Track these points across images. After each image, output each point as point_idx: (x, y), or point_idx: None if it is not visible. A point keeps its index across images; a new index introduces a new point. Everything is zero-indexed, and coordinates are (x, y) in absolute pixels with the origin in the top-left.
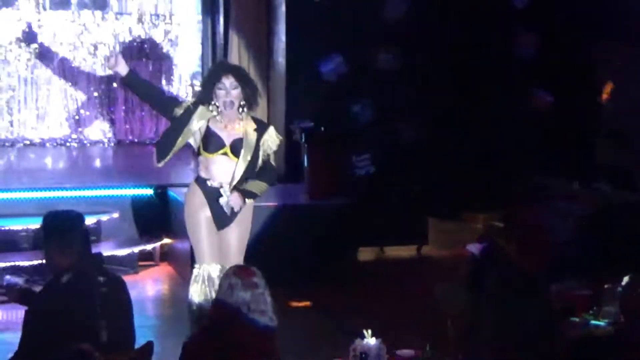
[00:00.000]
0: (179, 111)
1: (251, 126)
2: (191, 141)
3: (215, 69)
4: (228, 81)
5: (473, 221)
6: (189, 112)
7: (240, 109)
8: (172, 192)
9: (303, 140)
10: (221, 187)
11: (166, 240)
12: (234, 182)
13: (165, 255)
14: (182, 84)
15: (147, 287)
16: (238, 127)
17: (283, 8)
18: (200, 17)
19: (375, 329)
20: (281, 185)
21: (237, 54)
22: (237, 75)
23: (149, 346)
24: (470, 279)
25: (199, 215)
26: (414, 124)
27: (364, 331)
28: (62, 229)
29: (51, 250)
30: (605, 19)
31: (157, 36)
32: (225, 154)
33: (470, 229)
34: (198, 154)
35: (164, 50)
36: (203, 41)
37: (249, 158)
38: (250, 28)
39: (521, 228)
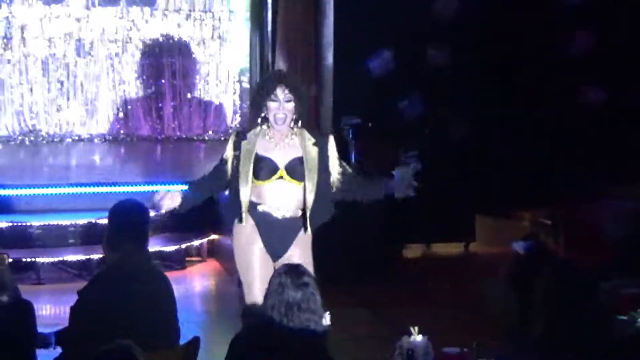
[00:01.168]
0: (226, 163)
1: (309, 140)
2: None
3: (268, 79)
4: (282, 93)
5: (520, 218)
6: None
7: (293, 124)
8: None
9: (350, 136)
10: None
11: (213, 236)
12: (307, 209)
13: (213, 251)
14: (230, 80)
15: (195, 282)
16: (293, 144)
17: (331, 3)
18: (248, 14)
19: (422, 326)
20: None
21: (285, 50)
22: (292, 86)
23: (195, 341)
24: (517, 277)
25: (251, 247)
26: (462, 120)
27: (411, 328)
28: (129, 220)
29: (111, 241)
30: None
31: (205, 33)
32: (280, 177)
33: (518, 226)
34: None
35: (212, 47)
36: (251, 38)
37: (315, 178)
38: (298, 24)
39: (573, 225)
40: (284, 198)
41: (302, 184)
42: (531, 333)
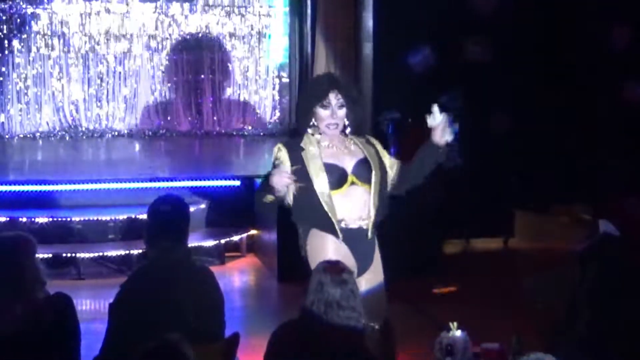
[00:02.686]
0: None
1: (361, 139)
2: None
3: (319, 83)
4: (335, 99)
5: (560, 214)
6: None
7: (345, 132)
8: (259, 183)
9: (390, 131)
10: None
11: (253, 232)
12: (372, 216)
13: (252, 246)
14: (269, 75)
15: (234, 278)
16: (350, 145)
17: None
18: (287, 9)
19: (461, 322)
20: None
21: (324, 45)
22: (345, 91)
23: (235, 337)
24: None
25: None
26: (502, 115)
27: (450, 324)
28: (170, 216)
29: (153, 237)
30: None
31: (245, 28)
32: (353, 183)
33: (557, 222)
34: None
35: (252, 42)
36: (290, 33)
37: (379, 177)
38: (337, 18)
39: (615, 221)
40: (357, 206)
41: (370, 186)
42: (578, 330)
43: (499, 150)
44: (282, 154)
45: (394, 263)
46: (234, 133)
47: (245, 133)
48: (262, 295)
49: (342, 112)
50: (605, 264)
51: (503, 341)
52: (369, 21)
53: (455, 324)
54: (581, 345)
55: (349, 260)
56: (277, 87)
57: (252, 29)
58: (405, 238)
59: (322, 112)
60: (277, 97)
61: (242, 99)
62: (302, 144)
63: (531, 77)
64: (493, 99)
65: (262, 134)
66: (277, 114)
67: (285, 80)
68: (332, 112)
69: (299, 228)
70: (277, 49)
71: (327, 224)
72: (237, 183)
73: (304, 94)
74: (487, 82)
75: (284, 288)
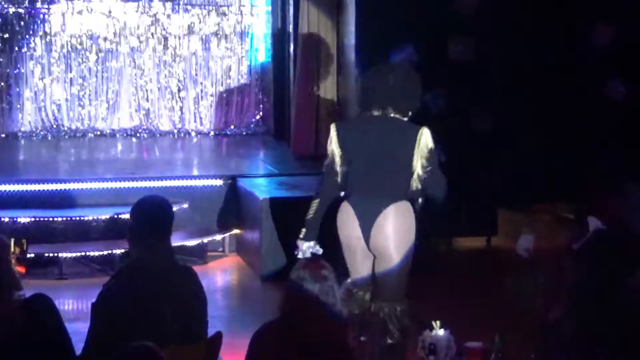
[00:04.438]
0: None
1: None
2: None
3: (376, 71)
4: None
5: (543, 212)
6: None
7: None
8: (242, 183)
9: None
10: None
11: (235, 231)
12: None
13: (235, 245)
14: (252, 74)
15: (217, 277)
16: None
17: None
18: (270, 8)
19: (444, 321)
20: None
21: (307, 45)
22: (399, 77)
23: (217, 337)
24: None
25: None
26: (485, 114)
27: (433, 323)
28: (152, 216)
29: (136, 237)
30: None
31: (227, 27)
32: None
33: (540, 220)
34: None
35: (234, 42)
36: (273, 32)
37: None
38: (320, 18)
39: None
40: None
41: None
42: (563, 329)
43: (482, 149)
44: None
45: None
46: (217, 132)
47: (228, 132)
48: (245, 294)
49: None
50: (602, 261)
51: (486, 340)
52: (351, 22)
53: (438, 322)
54: (571, 345)
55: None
56: (259, 86)
57: (234, 29)
58: None
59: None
60: (259, 97)
61: (224, 98)
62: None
63: (513, 76)
64: (476, 98)
65: (244, 133)
66: (260, 113)
67: (268, 79)
68: None
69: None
70: (259, 48)
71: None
72: (220, 183)
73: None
74: (469, 82)
75: (267, 287)
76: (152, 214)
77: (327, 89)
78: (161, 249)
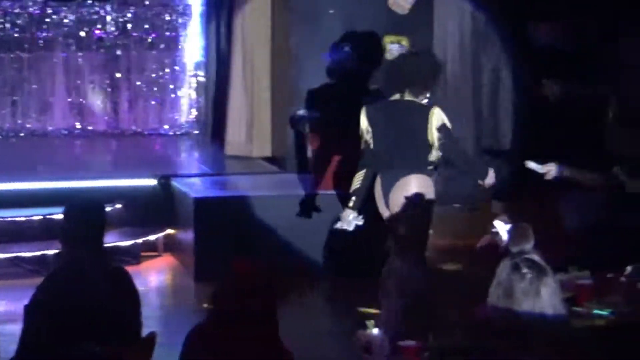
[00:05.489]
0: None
1: None
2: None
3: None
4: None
5: (479, 210)
6: None
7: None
8: (176, 183)
9: (308, 130)
10: None
11: (169, 231)
12: None
13: (169, 245)
14: (186, 74)
15: (150, 277)
16: None
17: None
18: (204, 8)
19: (380, 320)
20: (288, 175)
21: (241, 43)
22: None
23: (151, 337)
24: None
25: None
26: None
27: (367, 322)
28: (85, 217)
29: (69, 237)
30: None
31: (162, 26)
32: None
33: (477, 218)
34: None
35: (168, 41)
36: (207, 32)
37: None
38: (254, 17)
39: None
40: None
41: None
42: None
43: None
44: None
45: (322, 262)
46: (151, 132)
47: (162, 132)
48: (179, 294)
49: None
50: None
51: (420, 338)
52: (287, 19)
53: (372, 322)
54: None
55: None
56: (193, 86)
57: (168, 28)
58: (322, 236)
59: None
60: (193, 96)
61: (158, 98)
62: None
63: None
64: None
65: (178, 133)
66: (194, 112)
67: (202, 79)
68: None
69: None
70: (193, 48)
71: None
72: (154, 182)
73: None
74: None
75: (201, 287)
76: (85, 215)
77: (262, 88)
78: (94, 249)
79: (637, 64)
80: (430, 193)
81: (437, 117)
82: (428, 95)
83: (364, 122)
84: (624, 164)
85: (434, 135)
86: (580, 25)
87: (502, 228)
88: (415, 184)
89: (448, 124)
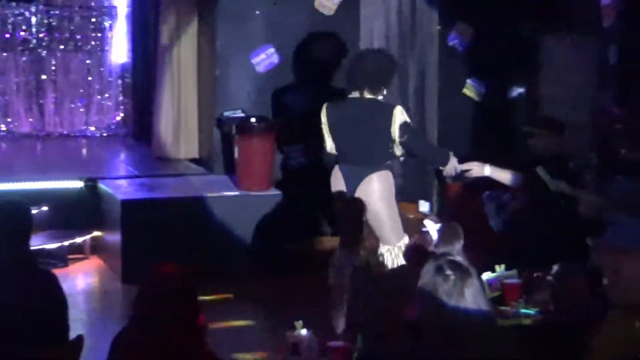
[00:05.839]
0: None
1: None
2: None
3: (354, 57)
4: None
5: (406, 211)
6: None
7: None
8: (103, 185)
9: (234, 131)
10: None
11: (96, 233)
12: None
13: (96, 248)
14: (113, 76)
15: (77, 280)
16: None
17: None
18: (129, 8)
19: (307, 321)
20: (214, 177)
21: (167, 44)
22: (370, 61)
23: (79, 340)
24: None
25: None
26: None
27: (295, 323)
28: (11, 220)
29: None
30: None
31: (88, 28)
32: None
33: (403, 219)
34: None
35: (94, 43)
36: (133, 33)
37: None
38: (181, 19)
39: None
40: None
41: None
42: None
43: None
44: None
45: (238, 262)
46: (77, 134)
47: (88, 134)
48: (107, 297)
49: None
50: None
51: (348, 339)
52: (212, 21)
53: (300, 322)
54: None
55: None
56: (120, 88)
57: (95, 29)
58: (247, 238)
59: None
60: (120, 98)
61: (84, 99)
62: None
63: None
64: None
65: (105, 135)
66: (121, 114)
67: (128, 80)
68: None
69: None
70: (120, 49)
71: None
72: (81, 185)
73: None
74: (333, 81)
75: (128, 290)
76: (11, 218)
77: (189, 90)
78: (21, 252)
79: (552, 64)
80: (391, 189)
81: (400, 116)
82: (385, 92)
83: (322, 120)
84: (546, 163)
85: (396, 133)
86: (499, 27)
87: (432, 227)
88: (377, 181)
89: (409, 122)
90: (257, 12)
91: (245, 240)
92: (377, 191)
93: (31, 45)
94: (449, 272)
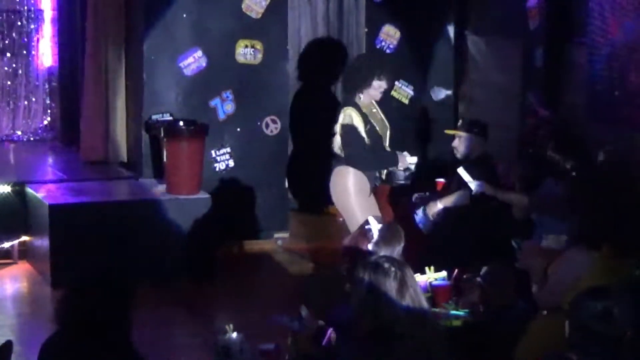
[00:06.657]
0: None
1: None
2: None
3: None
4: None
5: (334, 214)
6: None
7: None
8: (30, 189)
9: (162, 134)
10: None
11: (24, 238)
12: None
13: (24, 253)
14: (40, 79)
15: (6, 285)
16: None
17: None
18: (56, 12)
19: (238, 324)
20: (142, 181)
21: (95, 49)
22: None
23: (7, 345)
24: None
25: None
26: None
27: (226, 326)
28: None
29: None
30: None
31: (14, 32)
32: None
33: (332, 222)
34: None
35: (21, 46)
36: (60, 36)
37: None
38: (107, 21)
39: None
40: None
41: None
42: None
43: (273, 150)
44: (356, 116)
45: (169, 266)
46: (4, 138)
47: (15, 138)
48: (36, 302)
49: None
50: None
51: (280, 341)
52: (139, 25)
53: (231, 326)
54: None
55: None
56: (47, 92)
57: (20, 33)
58: (180, 241)
59: (378, 83)
60: (47, 102)
61: (11, 104)
62: (360, 107)
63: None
64: (267, 101)
65: (32, 139)
66: (48, 118)
67: (55, 84)
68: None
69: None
70: (47, 53)
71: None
72: (8, 189)
73: (364, 67)
74: (256, 83)
75: (58, 295)
76: None
77: (117, 93)
78: None
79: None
80: (346, 185)
81: (345, 116)
82: (361, 95)
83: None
84: (468, 164)
85: (337, 131)
86: (426, 29)
87: (375, 225)
88: (334, 175)
89: (357, 126)
90: (184, 16)
91: (174, 244)
92: (332, 184)
93: None
94: (387, 265)
